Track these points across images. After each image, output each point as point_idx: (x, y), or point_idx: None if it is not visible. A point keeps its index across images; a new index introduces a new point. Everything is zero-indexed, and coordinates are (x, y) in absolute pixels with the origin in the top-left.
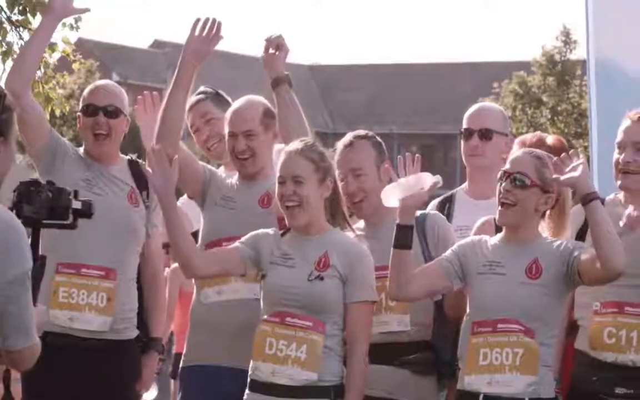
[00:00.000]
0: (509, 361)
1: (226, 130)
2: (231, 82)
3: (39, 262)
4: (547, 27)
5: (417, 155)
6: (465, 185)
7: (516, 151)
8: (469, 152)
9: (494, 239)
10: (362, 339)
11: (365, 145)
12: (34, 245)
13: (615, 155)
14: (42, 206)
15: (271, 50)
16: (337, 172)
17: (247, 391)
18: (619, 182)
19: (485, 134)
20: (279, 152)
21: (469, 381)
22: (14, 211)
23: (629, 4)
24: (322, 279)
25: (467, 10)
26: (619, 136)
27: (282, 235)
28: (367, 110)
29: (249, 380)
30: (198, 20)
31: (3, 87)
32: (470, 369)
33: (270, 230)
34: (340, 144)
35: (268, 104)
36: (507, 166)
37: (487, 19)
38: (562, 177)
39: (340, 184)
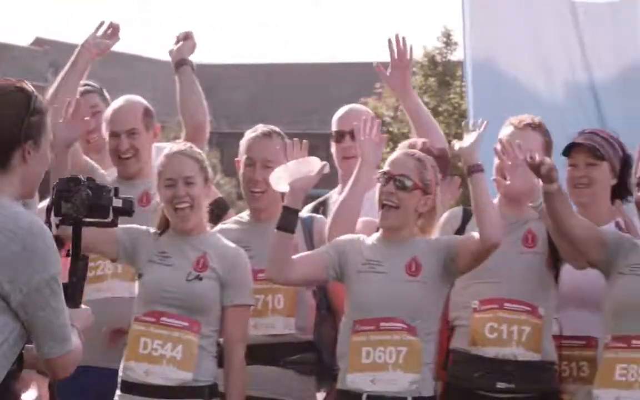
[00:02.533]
0: (392, 359)
1: (106, 130)
2: (111, 81)
3: (82, 262)
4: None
5: (304, 141)
6: (338, 187)
7: (396, 152)
8: (342, 154)
9: (372, 239)
10: (240, 341)
11: (279, 141)
12: (75, 244)
13: (497, 160)
14: (82, 204)
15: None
16: (244, 157)
17: (117, 392)
18: (501, 189)
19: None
20: (159, 150)
21: (351, 380)
22: (53, 209)
23: (504, 6)
24: (200, 279)
25: (348, 10)
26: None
27: (160, 234)
28: (250, 110)
29: (119, 380)
30: (102, 22)
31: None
32: (353, 368)
33: (149, 229)
34: (255, 132)
35: (147, 104)
36: (388, 167)
37: (370, 18)
38: (455, 146)
39: (245, 168)
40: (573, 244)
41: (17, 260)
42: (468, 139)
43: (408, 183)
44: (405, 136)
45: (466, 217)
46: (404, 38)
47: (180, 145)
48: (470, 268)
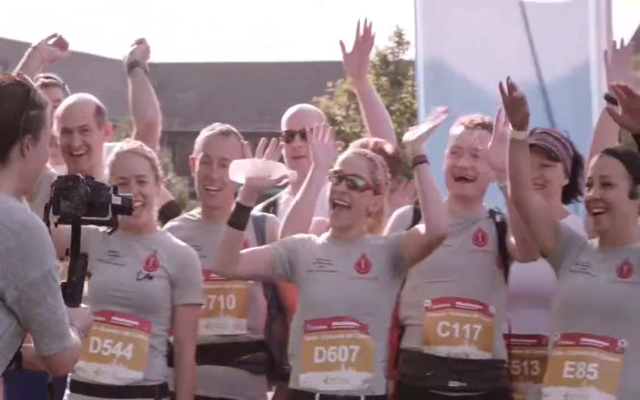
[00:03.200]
0: (345, 358)
1: (57, 127)
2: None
3: (81, 260)
4: (381, 28)
5: (281, 142)
6: (288, 188)
7: (347, 151)
8: (292, 153)
9: (322, 238)
10: (190, 341)
11: (236, 140)
12: (75, 242)
13: (450, 161)
14: (81, 202)
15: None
16: (200, 155)
17: (67, 392)
18: (452, 189)
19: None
20: (109, 150)
21: (304, 379)
22: (51, 207)
23: (453, 5)
24: (151, 278)
25: (300, 10)
26: (454, 141)
27: (110, 233)
28: (202, 109)
29: (68, 380)
30: (55, 34)
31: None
32: (305, 367)
33: (98, 228)
34: (213, 130)
35: (99, 102)
36: (339, 167)
37: (321, 18)
38: (403, 139)
39: (201, 166)
40: (528, 222)
41: (11, 256)
42: (416, 130)
43: (360, 183)
44: (357, 136)
45: (417, 216)
46: (371, 22)
47: (131, 143)
48: (418, 260)
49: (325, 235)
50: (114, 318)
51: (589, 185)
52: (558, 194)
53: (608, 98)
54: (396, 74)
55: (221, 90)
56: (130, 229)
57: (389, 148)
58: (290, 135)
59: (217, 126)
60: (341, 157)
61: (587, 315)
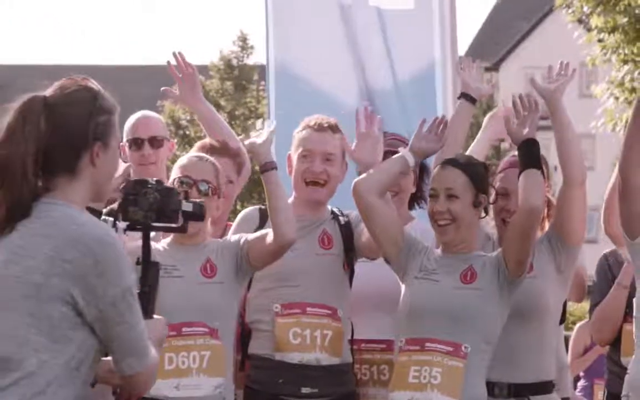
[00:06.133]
0: (196, 364)
1: None
2: None
3: (153, 269)
4: (225, 32)
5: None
6: None
7: (190, 155)
8: (141, 161)
9: (163, 243)
10: None
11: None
12: (145, 251)
13: (302, 165)
14: (150, 208)
15: None
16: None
17: None
18: (303, 193)
19: (156, 142)
20: None
21: (155, 387)
22: (120, 213)
23: (299, 9)
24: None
25: (139, 14)
26: (305, 145)
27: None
28: None
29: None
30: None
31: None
32: (157, 375)
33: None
34: None
35: None
36: (187, 173)
37: (165, 22)
38: (246, 143)
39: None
40: (371, 229)
41: (89, 274)
42: (258, 137)
43: (208, 188)
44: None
45: (263, 217)
46: (180, 53)
47: None
48: (264, 265)
49: (166, 240)
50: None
51: (433, 196)
52: (407, 200)
53: (465, 96)
54: (240, 78)
55: None
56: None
57: (233, 144)
58: (140, 142)
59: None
60: (186, 163)
61: (431, 321)
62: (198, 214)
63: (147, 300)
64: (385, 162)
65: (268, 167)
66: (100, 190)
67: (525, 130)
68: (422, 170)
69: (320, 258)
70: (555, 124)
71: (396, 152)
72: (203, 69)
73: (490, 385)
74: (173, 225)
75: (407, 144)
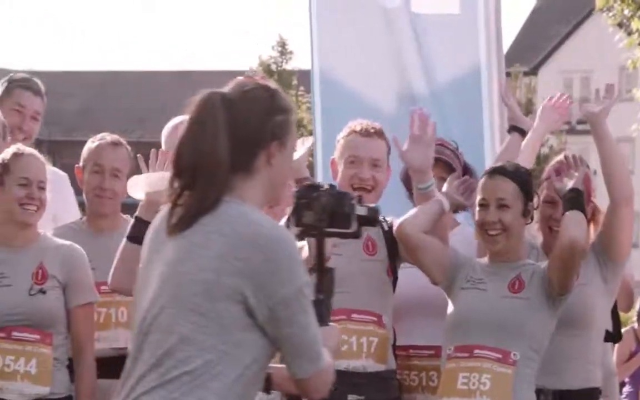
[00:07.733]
0: None
1: None
2: None
3: (329, 275)
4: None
5: (170, 152)
6: None
7: None
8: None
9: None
10: (89, 339)
11: (126, 151)
12: (320, 256)
13: (349, 171)
14: (323, 212)
15: None
16: (90, 163)
17: None
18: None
19: None
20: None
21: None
22: (294, 217)
23: (348, 17)
24: (44, 292)
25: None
26: (351, 151)
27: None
28: (83, 118)
29: None
30: None
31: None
32: None
33: None
34: (104, 140)
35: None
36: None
37: (203, 27)
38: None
39: (91, 175)
40: (415, 252)
41: (261, 273)
42: (295, 152)
43: None
44: None
45: None
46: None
47: (22, 146)
48: None
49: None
50: (14, 333)
51: (483, 205)
52: None
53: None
54: (280, 84)
55: (101, 99)
56: (7, 244)
57: None
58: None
59: (108, 136)
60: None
61: (478, 329)
62: (372, 220)
63: (322, 307)
64: (424, 205)
65: (302, 182)
66: (275, 192)
67: (571, 183)
68: (466, 172)
69: (365, 264)
70: (599, 146)
71: (442, 159)
72: (242, 75)
73: (536, 392)
74: (346, 230)
75: (452, 152)
